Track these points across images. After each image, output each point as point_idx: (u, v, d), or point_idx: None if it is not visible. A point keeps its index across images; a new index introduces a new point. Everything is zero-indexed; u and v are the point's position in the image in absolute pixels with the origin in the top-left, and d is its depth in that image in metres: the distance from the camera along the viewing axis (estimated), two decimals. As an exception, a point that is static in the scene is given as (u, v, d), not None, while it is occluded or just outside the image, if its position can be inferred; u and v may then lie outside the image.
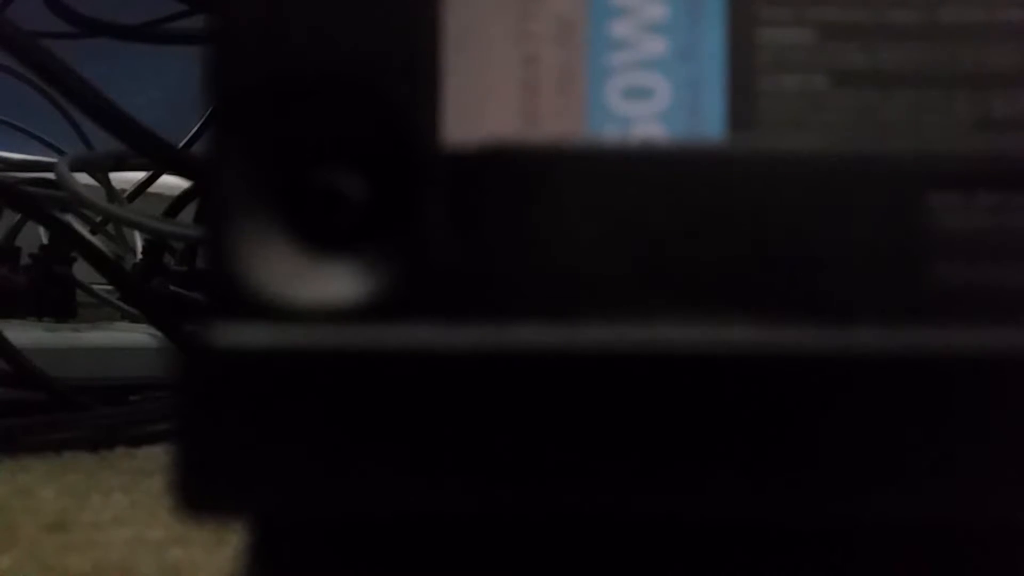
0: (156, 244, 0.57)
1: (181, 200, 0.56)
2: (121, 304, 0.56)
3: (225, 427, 0.16)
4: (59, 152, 0.62)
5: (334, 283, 0.17)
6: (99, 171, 0.55)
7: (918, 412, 0.16)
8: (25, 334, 0.48)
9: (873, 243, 0.16)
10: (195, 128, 0.56)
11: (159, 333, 0.49)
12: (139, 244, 0.59)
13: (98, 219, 0.58)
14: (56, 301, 0.55)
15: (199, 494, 0.16)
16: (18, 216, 0.57)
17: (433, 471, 0.16)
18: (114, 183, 0.57)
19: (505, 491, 0.16)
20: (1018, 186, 0.16)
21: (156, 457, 0.39)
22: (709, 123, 0.17)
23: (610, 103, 0.17)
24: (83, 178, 0.51)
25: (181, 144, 0.55)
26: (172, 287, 0.54)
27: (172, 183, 0.57)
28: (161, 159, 0.44)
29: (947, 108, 0.17)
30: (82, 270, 0.54)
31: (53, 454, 0.39)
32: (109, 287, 0.55)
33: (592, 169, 0.17)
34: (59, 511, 0.30)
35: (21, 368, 0.43)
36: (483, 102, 0.17)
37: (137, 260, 0.58)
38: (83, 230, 0.50)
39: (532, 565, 0.17)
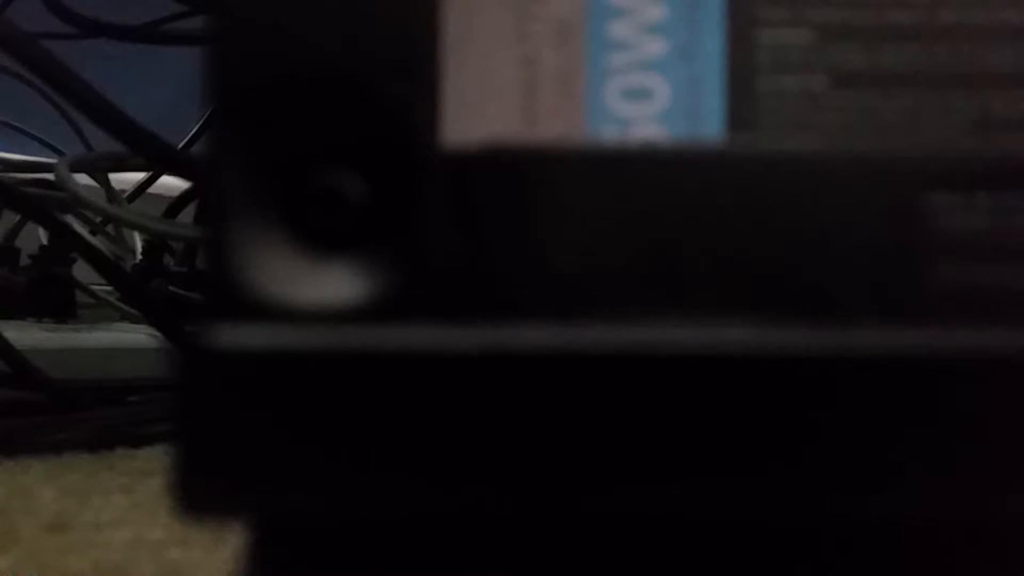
0: (156, 245, 0.57)
1: (181, 201, 0.56)
2: (121, 305, 0.56)
3: (225, 428, 0.16)
4: (59, 153, 0.62)
5: (333, 284, 0.17)
6: (99, 172, 0.55)
7: (918, 412, 0.16)
8: (25, 334, 0.48)
9: (873, 243, 0.16)
10: (195, 128, 0.56)
11: (159, 334, 0.49)
12: (139, 245, 0.59)
13: (98, 220, 0.57)
14: (56, 302, 0.55)
15: (199, 495, 0.16)
16: (18, 217, 0.57)
17: (432, 472, 0.16)
18: (114, 184, 0.57)
19: (505, 492, 0.16)
20: (1018, 186, 0.16)
21: (156, 457, 0.39)
22: (708, 124, 0.17)
23: (609, 104, 0.17)
24: (83, 179, 0.51)
25: (181, 144, 0.55)
26: (172, 288, 0.54)
27: (172, 183, 0.57)
28: (161, 160, 0.44)
29: (947, 108, 0.17)
30: (82, 271, 0.54)
31: (53, 454, 0.39)
32: (109, 288, 0.55)
33: (591, 170, 0.17)
34: (59, 512, 0.30)
35: (21, 368, 0.43)
36: (483, 103, 0.17)
37: (137, 261, 0.58)
38: (83, 231, 0.50)
39: (532, 566, 0.17)
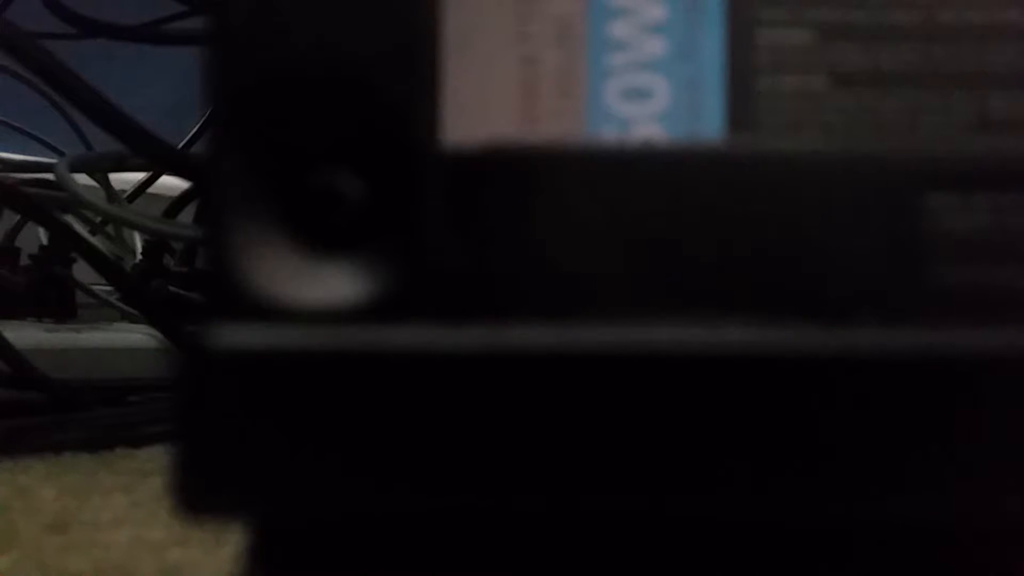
0: (156, 245, 0.57)
1: (181, 200, 0.56)
2: (121, 305, 0.56)
3: (225, 428, 0.16)
4: (59, 153, 0.62)
5: (333, 284, 0.17)
6: (99, 172, 0.55)
7: (918, 412, 0.16)
8: (25, 335, 0.48)
9: (872, 243, 0.16)
10: (195, 128, 0.56)
11: (159, 334, 0.49)
12: (139, 245, 0.59)
13: (98, 220, 0.58)
14: (56, 302, 0.55)
15: (199, 495, 0.16)
16: (18, 217, 0.57)
17: (432, 472, 0.16)
18: (114, 184, 0.57)
19: (504, 491, 0.16)
20: (1018, 186, 0.16)
21: (156, 457, 0.39)
22: (708, 124, 0.17)
23: (609, 104, 0.17)
24: (83, 179, 0.51)
25: (181, 144, 0.55)
26: (172, 288, 0.54)
27: (172, 183, 0.57)
28: (161, 160, 0.44)
29: (946, 108, 0.17)
30: (82, 271, 0.54)
31: (53, 454, 0.39)
32: (109, 288, 0.55)
33: (591, 170, 0.17)
34: (59, 511, 0.30)
35: (21, 369, 0.43)
36: (483, 103, 0.17)
37: (137, 261, 0.58)
38: (83, 231, 0.50)
39: (531, 565, 0.17)
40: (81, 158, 0.53)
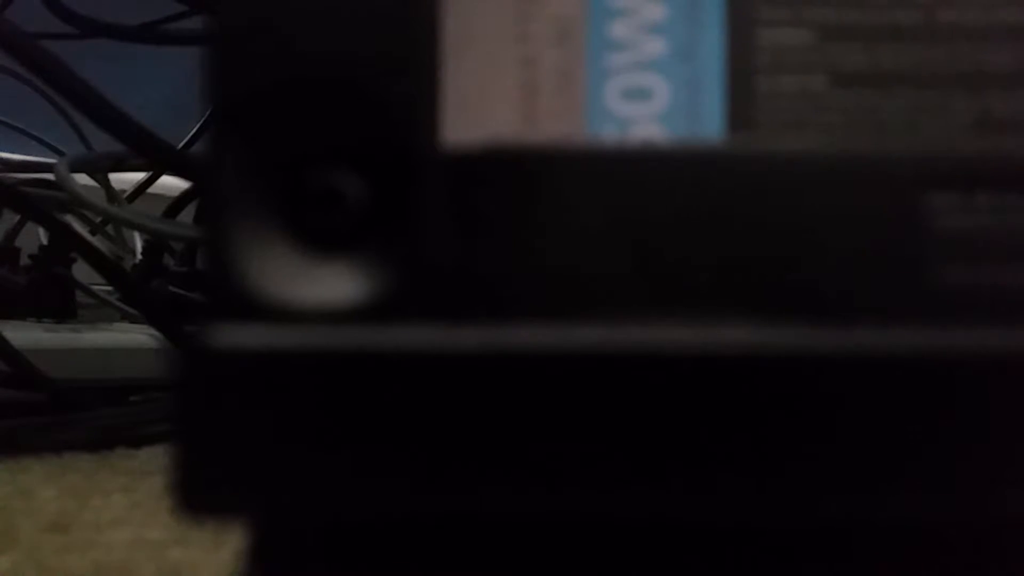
0: (156, 245, 0.57)
1: (181, 200, 0.56)
2: (121, 305, 0.56)
3: (225, 428, 0.16)
4: (59, 153, 0.62)
5: (333, 284, 0.17)
6: (99, 172, 0.55)
7: (918, 412, 0.16)
8: (25, 335, 0.48)
9: (873, 243, 0.16)
10: (195, 128, 0.56)
11: (159, 333, 0.49)
12: (139, 245, 0.59)
13: (98, 220, 0.58)
14: (56, 302, 0.55)
15: (199, 495, 0.16)
16: (18, 217, 0.57)
17: (432, 472, 0.16)
18: (114, 184, 0.57)
19: (504, 492, 0.16)
20: (1018, 186, 0.16)
21: (156, 457, 0.39)
22: (708, 124, 0.17)
23: (609, 104, 0.17)
24: (83, 179, 0.51)
25: (181, 144, 0.55)
26: (172, 288, 0.54)
27: (172, 183, 0.57)
28: (161, 160, 0.44)
29: (946, 108, 0.17)
30: (82, 271, 0.54)
31: (53, 455, 0.39)
32: (109, 288, 0.55)
33: (591, 170, 0.17)
34: (59, 512, 0.30)
35: (21, 369, 0.43)
36: (483, 103, 0.17)
37: (137, 261, 0.58)
38: (83, 231, 0.50)
39: (530, 566, 0.17)
40: (81, 158, 0.53)
